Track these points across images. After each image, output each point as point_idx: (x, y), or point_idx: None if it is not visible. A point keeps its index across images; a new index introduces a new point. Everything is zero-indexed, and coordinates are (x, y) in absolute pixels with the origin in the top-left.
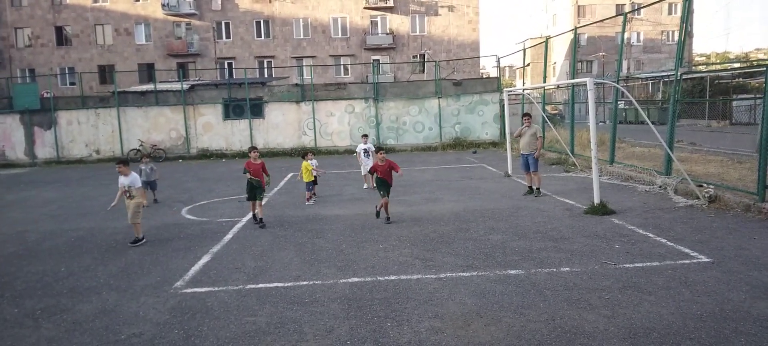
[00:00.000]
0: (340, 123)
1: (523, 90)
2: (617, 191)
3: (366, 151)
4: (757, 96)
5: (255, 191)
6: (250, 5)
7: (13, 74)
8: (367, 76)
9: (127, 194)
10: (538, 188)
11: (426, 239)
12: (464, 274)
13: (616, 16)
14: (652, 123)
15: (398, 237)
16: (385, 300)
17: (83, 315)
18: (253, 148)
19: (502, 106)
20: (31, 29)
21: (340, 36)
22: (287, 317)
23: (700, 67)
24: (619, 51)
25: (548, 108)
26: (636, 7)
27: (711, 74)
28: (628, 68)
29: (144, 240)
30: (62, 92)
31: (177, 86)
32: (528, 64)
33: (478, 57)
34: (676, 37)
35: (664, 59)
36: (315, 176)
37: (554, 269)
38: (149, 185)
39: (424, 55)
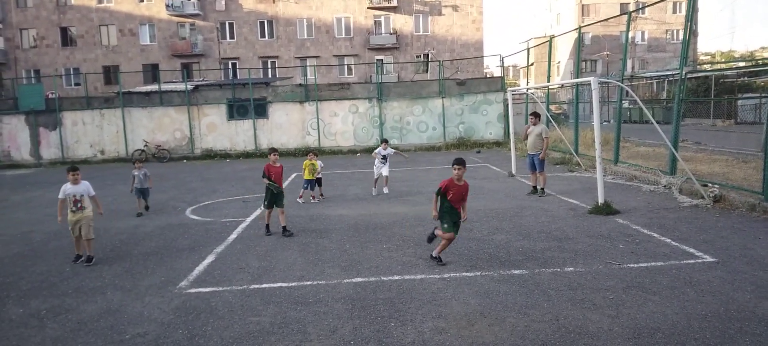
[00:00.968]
0: (343, 123)
1: (527, 89)
2: (622, 191)
3: (384, 157)
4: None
5: (276, 198)
6: (254, 5)
7: (19, 75)
8: (370, 76)
9: (78, 205)
10: (542, 188)
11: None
12: (468, 274)
13: (621, 15)
14: (657, 122)
15: (402, 237)
16: (388, 300)
17: (88, 315)
18: (273, 150)
19: (506, 106)
20: (37, 30)
21: (343, 36)
22: (291, 317)
23: (705, 66)
24: (623, 50)
25: (552, 107)
26: (640, 6)
27: (716, 73)
28: (633, 67)
29: (93, 261)
30: (67, 93)
31: (181, 87)
32: (532, 64)
33: (482, 57)
34: (681, 36)
35: (669, 58)
36: (319, 177)
37: (558, 269)
38: (142, 192)
39: (427, 54)
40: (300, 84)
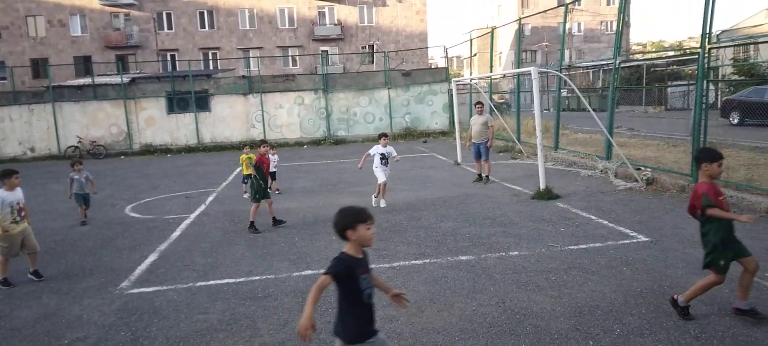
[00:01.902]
0: (289, 115)
1: (471, 80)
2: (562, 176)
3: (384, 156)
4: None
5: (265, 191)
6: None
7: None
8: (315, 67)
9: (22, 214)
10: (487, 176)
11: (379, 228)
12: (417, 262)
13: (558, 6)
14: (593, 110)
15: None
16: None
17: (22, 321)
18: (264, 142)
19: (451, 96)
20: None
21: (287, 27)
22: (240, 313)
23: (637, 55)
24: (561, 41)
25: (495, 97)
26: None
27: (647, 62)
28: (570, 57)
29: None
30: None
31: (117, 80)
32: (475, 55)
33: (427, 48)
34: (615, 27)
35: (604, 48)
36: (274, 170)
37: (504, 254)
38: (83, 198)
39: (372, 45)
40: (243, 76)
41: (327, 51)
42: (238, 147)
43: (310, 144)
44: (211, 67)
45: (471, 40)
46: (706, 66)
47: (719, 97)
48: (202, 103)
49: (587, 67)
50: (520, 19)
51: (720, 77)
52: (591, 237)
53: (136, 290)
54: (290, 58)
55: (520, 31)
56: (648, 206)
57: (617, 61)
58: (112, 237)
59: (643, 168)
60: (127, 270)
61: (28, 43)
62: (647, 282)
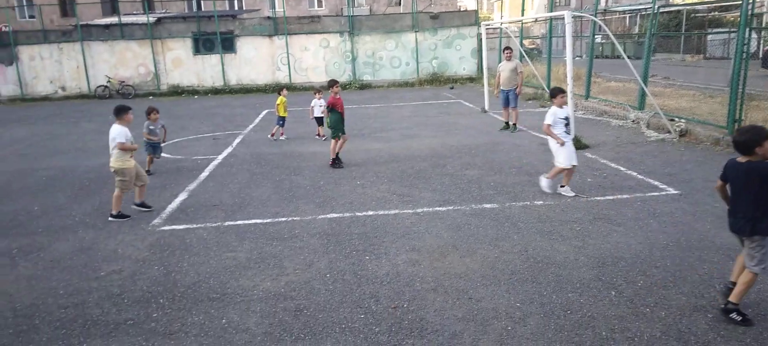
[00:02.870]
0: (314, 58)
1: (501, 23)
2: (591, 126)
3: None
4: (732, 30)
5: (342, 127)
6: None
7: None
8: (341, 8)
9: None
10: (514, 124)
11: (403, 175)
12: (441, 208)
13: None
14: (628, 57)
15: (376, 174)
16: (363, 235)
17: (61, 253)
18: (334, 82)
19: (480, 41)
20: None
21: None
22: (267, 252)
23: (677, 0)
24: None
25: (526, 42)
26: None
27: (687, 8)
28: (606, 1)
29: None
30: (21, 26)
31: (143, 19)
32: None
33: None
34: None
35: None
36: (320, 116)
37: (528, 203)
38: (154, 147)
39: None
40: (268, 17)
41: None
42: (264, 90)
43: (318, 87)
44: (237, 8)
45: None
46: (749, 13)
47: (762, 46)
48: (227, 44)
49: (624, 12)
50: None
51: (764, 25)
52: (619, 188)
53: (167, 227)
54: None
55: None
56: (680, 158)
57: (656, 6)
58: None
59: (676, 119)
60: (159, 208)
61: None
62: (674, 235)
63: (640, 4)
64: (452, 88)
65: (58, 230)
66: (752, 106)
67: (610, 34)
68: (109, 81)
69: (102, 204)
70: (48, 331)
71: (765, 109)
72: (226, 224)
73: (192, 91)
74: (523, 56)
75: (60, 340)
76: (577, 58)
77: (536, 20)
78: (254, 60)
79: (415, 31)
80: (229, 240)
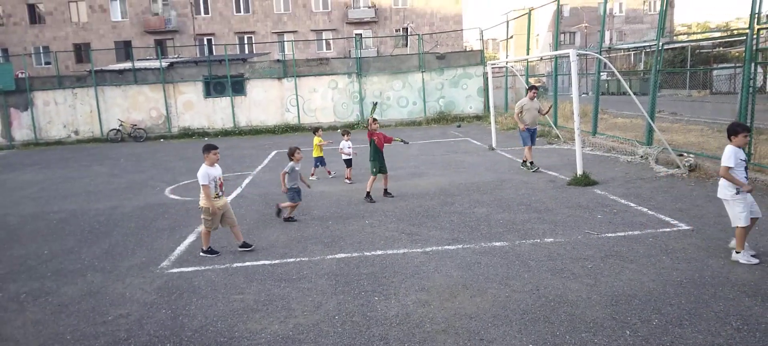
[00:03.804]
0: (323, 99)
1: (507, 63)
2: (600, 162)
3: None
4: (737, 65)
5: (383, 165)
6: None
7: None
8: (349, 50)
9: (222, 189)
10: (532, 162)
11: (412, 213)
12: (450, 247)
13: None
14: (634, 94)
15: (384, 212)
16: (372, 275)
17: (69, 297)
18: (374, 119)
19: (486, 80)
20: (3, 7)
21: (321, 10)
22: (275, 294)
23: (682, 36)
24: (601, 22)
25: (532, 80)
26: None
27: (692, 44)
28: (611, 39)
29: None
30: (37, 72)
31: (156, 64)
32: (511, 37)
33: (461, 30)
34: (658, 7)
35: (646, 29)
36: (349, 158)
37: (538, 240)
38: (297, 192)
39: (406, 28)
40: (278, 60)
41: (361, 34)
42: (273, 131)
43: (344, 128)
44: (247, 52)
45: (507, 21)
46: (754, 48)
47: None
48: (237, 87)
49: (628, 49)
50: None
51: None
52: (629, 225)
53: (175, 270)
54: (324, 41)
55: (558, 12)
56: (690, 194)
57: (660, 43)
58: (152, 218)
59: (685, 154)
60: (168, 250)
61: (71, 28)
62: (687, 272)
63: (645, 41)
64: (459, 126)
65: (67, 274)
66: (761, 140)
67: (616, 71)
68: (121, 124)
69: (111, 247)
70: None
71: None
72: (235, 265)
73: (202, 133)
74: None
75: None
76: (583, 95)
77: (542, 59)
78: (263, 102)
79: (422, 72)
80: (238, 282)
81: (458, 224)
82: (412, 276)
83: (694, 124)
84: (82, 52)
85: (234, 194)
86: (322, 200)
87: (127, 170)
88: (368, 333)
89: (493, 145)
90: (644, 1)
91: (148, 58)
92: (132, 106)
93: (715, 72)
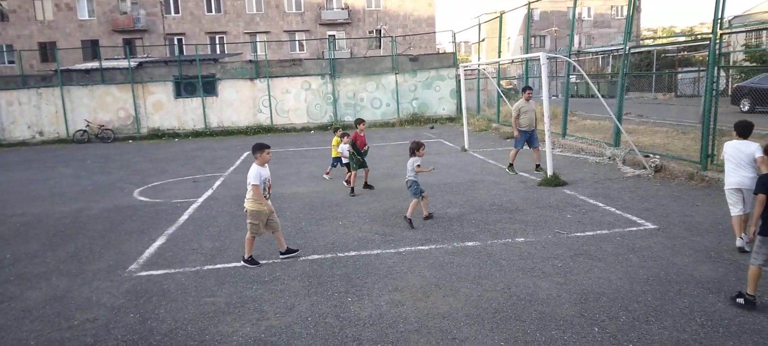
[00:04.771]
0: (296, 100)
1: (479, 65)
2: (569, 163)
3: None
4: (701, 69)
5: (363, 161)
6: None
7: None
8: (322, 52)
9: (270, 191)
10: (538, 165)
11: (385, 214)
12: (423, 247)
13: None
14: (602, 96)
15: (357, 213)
16: (345, 276)
17: (33, 302)
18: (361, 120)
19: (458, 82)
20: None
21: (294, 11)
22: (247, 296)
23: (648, 41)
24: (570, 26)
25: (503, 83)
26: None
27: (658, 48)
28: (580, 43)
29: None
30: (0, 71)
31: (124, 64)
32: (483, 40)
33: (434, 32)
34: (625, 12)
35: (614, 34)
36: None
37: (510, 240)
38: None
39: (380, 30)
40: (250, 60)
41: (334, 36)
42: (245, 132)
43: (317, 129)
44: (218, 52)
45: (479, 24)
46: (717, 52)
47: (730, 83)
48: (209, 87)
49: (597, 53)
50: (529, 3)
51: (731, 63)
52: (598, 224)
53: (144, 273)
54: (297, 42)
55: (529, 16)
56: (656, 194)
57: (627, 47)
58: (120, 221)
59: (651, 155)
60: (136, 253)
61: (36, 26)
62: (654, 269)
63: (612, 45)
64: (432, 128)
65: (31, 278)
66: (723, 142)
67: (584, 74)
68: (88, 125)
69: (77, 250)
70: None
71: None
72: (206, 268)
73: (173, 135)
74: (501, 96)
75: None
76: (553, 98)
77: (513, 62)
78: (235, 103)
79: (395, 73)
80: (209, 284)
81: (431, 224)
82: (385, 277)
83: (659, 126)
84: (47, 51)
85: (205, 195)
86: (294, 202)
87: (94, 172)
88: (341, 334)
89: (466, 147)
90: (611, 6)
91: (116, 57)
92: (99, 106)
93: (679, 75)
